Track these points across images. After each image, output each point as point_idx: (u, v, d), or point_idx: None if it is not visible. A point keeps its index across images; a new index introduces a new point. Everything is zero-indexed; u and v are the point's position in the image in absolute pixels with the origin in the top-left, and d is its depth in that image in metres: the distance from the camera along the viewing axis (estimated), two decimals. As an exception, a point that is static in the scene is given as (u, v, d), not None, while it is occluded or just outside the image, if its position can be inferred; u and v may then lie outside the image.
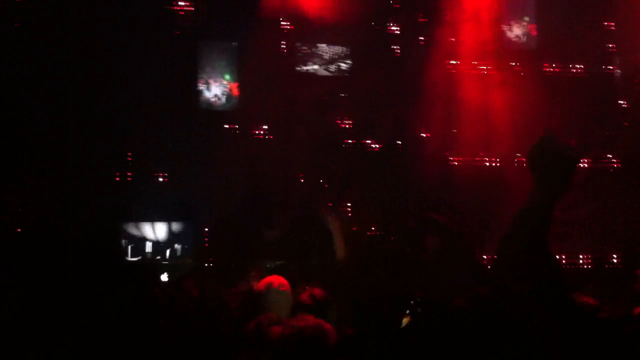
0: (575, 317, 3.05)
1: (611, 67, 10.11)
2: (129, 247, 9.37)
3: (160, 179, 9.53)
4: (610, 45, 10.12)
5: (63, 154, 8.18)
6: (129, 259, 9.31)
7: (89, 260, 6.16)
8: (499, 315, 4.07)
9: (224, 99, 10.01)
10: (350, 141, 10.00)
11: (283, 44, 10.14)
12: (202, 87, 9.89)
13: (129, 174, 9.19)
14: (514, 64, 9.68)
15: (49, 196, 7.34)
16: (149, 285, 6.67)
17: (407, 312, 4.55)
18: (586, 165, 9.30)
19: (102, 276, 5.91)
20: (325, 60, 10.31)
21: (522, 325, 4.05)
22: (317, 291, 5.27)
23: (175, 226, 9.57)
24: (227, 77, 10.04)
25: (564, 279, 3.06)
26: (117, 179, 8.99)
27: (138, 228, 9.40)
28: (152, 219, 9.43)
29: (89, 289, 5.69)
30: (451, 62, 9.91)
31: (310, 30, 10.02)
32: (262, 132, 9.93)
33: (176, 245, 9.58)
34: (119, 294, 5.67)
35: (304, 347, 3.81)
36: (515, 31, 10.13)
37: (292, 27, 10.10)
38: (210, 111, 9.83)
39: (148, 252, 9.48)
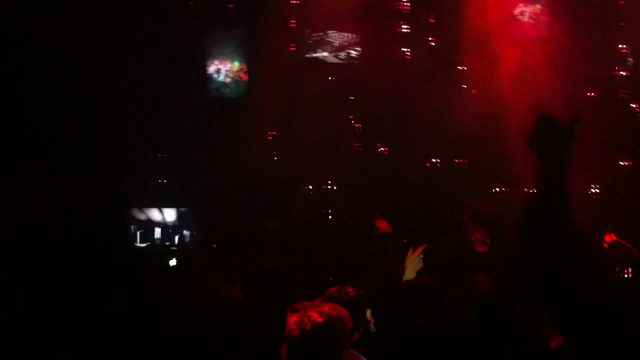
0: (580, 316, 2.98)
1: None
2: (138, 233, 9.42)
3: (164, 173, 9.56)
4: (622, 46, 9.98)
5: (64, 149, 8.20)
6: (139, 244, 9.36)
7: (89, 260, 6.19)
8: (499, 312, 4.05)
9: (233, 86, 9.98)
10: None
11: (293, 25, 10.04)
12: (211, 74, 9.86)
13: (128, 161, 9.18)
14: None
15: (49, 193, 7.37)
16: (150, 284, 6.67)
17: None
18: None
19: (103, 275, 5.93)
20: (335, 47, 10.22)
21: (523, 324, 4.02)
22: (350, 288, 5.23)
23: (185, 213, 9.61)
24: (236, 63, 10.00)
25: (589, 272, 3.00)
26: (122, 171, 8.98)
27: (147, 214, 9.45)
28: (161, 205, 9.47)
29: (89, 288, 5.72)
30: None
31: (320, 17, 9.93)
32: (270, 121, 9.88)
33: (185, 232, 9.62)
34: (119, 293, 5.68)
35: (322, 338, 3.79)
36: (526, 18, 9.98)
37: (302, 13, 9.99)
38: (217, 99, 9.81)
39: (157, 238, 9.52)
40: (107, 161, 8.56)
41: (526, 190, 8.69)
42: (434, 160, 9.84)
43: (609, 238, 5.53)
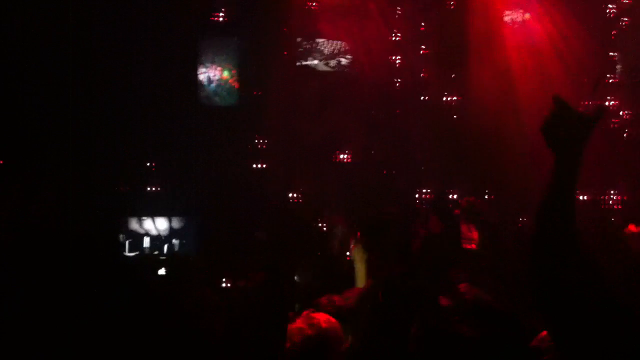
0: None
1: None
2: (127, 243, 9.34)
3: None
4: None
5: (64, 149, 8.14)
6: (127, 254, 9.28)
7: (89, 259, 6.13)
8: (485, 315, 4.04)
9: (224, 94, 9.98)
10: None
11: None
12: (202, 82, 9.86)
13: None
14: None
15: (49, 193, 7.31)
16: (149, 284, 6.63)
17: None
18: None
19: (102, 275, 5.88)
20: (325, 55, 10.28)
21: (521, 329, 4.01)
22: (337, 297, 5.21)
23: (174, 221, 9.56)
24: (226, 73, 10.01)
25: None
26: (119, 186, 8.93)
27: (137, 223, 9.39)
28: (151, 214, 9.42)
29: (89, 288, 5.66)
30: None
31: (311, 25, 9.99)
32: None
33: (174, 240, 9.56)
34: (118, 293, 5.63)
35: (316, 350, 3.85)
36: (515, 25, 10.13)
37: (293, 22, 10.04)
38: (210, 107, 9.81)
39: (146, 247, 9.45)
40: (107, 161, 8.50)
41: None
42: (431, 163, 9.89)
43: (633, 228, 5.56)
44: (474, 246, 6.44)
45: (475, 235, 6.48)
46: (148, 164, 9.45)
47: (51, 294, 5.65)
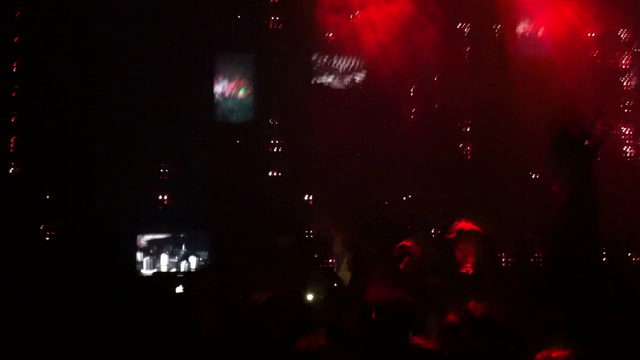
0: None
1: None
2: (144, 261, 9.36)
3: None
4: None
5: (65, 149, 8.23)
6: (145, 272, 9.30)
7: (89, 260, 6.17)
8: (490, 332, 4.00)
9: (238, 110, 10.06)
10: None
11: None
12: (217, 98, 9.95)
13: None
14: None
15: (49, 193, 7.40)
16: (149, 284, 6.65)
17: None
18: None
19: (102, 275, 5.91)
20: (340, 72, 10.34)
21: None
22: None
23: (190, 238, 9.58)
24: (241, 91, 10.10)
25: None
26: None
27: (153, 241, 9.42)
28: (167, 230, 9.45)
29: (89, 288, 5.69)
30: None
31: (327, 42, 10.08)
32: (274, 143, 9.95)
33: (191, 258, 9.57)
34: (118, 293, 5.66)
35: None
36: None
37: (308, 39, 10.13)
38: (224, 122, 9.90)
39: (163, 265, 9.47)
40: (108, 161, 8.57)
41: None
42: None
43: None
44: (470, 270, 6.27)
45: (470, 259, 6.29)
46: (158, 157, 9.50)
47: (51, 293, 5.69)
